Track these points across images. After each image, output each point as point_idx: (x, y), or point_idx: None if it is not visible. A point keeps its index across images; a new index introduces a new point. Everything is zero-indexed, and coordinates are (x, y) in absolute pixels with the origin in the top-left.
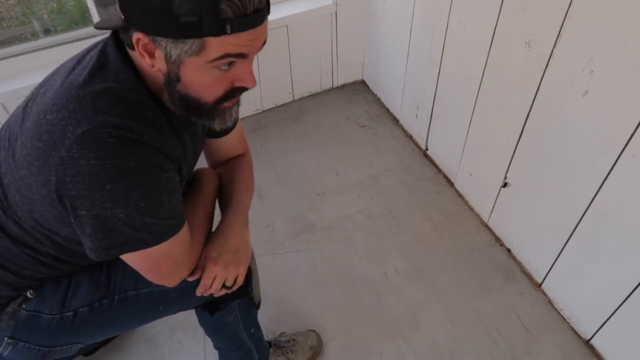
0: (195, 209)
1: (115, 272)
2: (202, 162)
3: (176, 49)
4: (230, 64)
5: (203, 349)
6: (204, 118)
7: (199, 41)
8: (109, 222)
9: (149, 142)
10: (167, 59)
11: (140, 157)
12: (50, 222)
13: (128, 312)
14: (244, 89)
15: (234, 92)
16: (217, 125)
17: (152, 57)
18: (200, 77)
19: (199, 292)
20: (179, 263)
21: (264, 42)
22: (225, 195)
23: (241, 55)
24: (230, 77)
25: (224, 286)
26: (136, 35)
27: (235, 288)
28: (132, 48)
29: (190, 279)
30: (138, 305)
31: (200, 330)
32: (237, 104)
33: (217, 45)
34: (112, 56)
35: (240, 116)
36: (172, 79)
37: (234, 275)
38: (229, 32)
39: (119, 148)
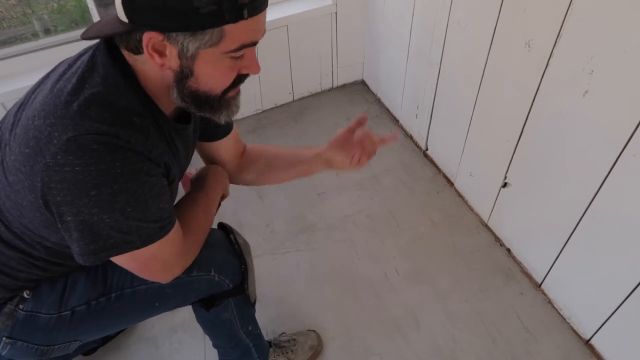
0: (194, 208)
1: (111, 270)
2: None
3: (194, 42)
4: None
5: (203, 348)
6: (214, 112)
7: (219, 30)
8: (95, 227)
9: (136, 148)
10: (182, 54)
11: (126, 163)
12: (39, 228)
13: (125, 309)
14: (247, 76)
15: (239, 80)
16: (224, 118)
17: (162, 56)
18: (215, 69)
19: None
20: (170, 263)
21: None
22: (294, 153)
23: (253, 44)
24: (238, 65)
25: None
26: (147, 36)
27: None
28: (136, 51)
29: None
30: (135, 302)
31: (200, 330)
32: (239, 93)
33: (234, 34)
34: (102, 60)
35: (241, 116)
36: (185, 74)
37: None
38: (246, 16)
39: (105, 154)
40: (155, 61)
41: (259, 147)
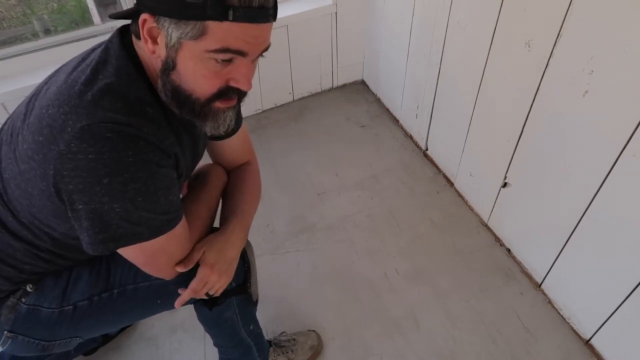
0: (197, 205)
1: (114, 266)
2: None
3: (177, 30)
4: (230, 60)
5: (203, 348)
6: (196, 117)
7: (201, 25)
8: (105, 216)
9: (148, 137)
10: (167, 42)
11: (138, 153)
12: (48, 218)
13: (127, 306)
14: (241, 92)
15: (227, 92)
16: (208, 129)
17: (154, 42)
18: (196, 67)
19: (185, 294)
20: (175, 257)
21: (267, 48)
22: (230, 203)
23: (241, 53)
24: (226, 74)
25: (206, 293)
26: (143, 16)
27: (215, 295)
28: (137, 36)
29: (179, 269)
30: (137, 299)
31: (200, 330)
32: (233, 108)
33: (219, 34)
34: (115, 52)
35: None
36: (169, 65)
37: (220, 285)
38: (230, 18)
39: (117, 143)
40: (148, 46)
41: (242, 180)
